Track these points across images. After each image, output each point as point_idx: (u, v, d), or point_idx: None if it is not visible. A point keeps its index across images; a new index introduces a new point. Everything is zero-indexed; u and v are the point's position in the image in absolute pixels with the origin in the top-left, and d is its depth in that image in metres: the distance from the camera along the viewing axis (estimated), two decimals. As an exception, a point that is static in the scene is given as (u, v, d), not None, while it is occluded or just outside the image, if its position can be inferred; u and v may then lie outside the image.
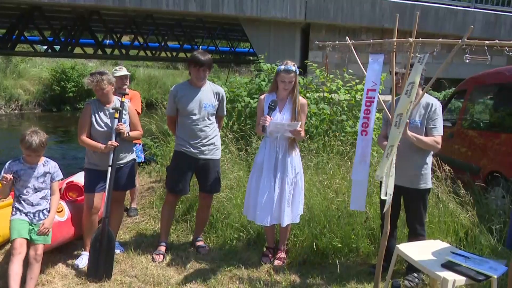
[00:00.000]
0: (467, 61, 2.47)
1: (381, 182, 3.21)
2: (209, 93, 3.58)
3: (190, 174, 3.64)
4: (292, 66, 3.29)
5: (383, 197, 2.69)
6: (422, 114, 3.12)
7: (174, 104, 3.54)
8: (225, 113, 3.83)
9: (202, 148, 3.54)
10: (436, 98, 8.99)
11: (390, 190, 2.68)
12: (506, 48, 2.38)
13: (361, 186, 3.04)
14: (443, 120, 6.31)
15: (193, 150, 3.52)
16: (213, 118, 3.60)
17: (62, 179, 3.19)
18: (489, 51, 2.44)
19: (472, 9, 8.60)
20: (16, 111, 18.95)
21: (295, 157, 3.42)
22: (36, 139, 2.85)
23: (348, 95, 6.06)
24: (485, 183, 4.65)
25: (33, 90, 19.93)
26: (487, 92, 5.61)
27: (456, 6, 8.56)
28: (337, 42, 3.18)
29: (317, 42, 3.45)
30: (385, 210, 2.80)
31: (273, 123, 3.24)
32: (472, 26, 2.56)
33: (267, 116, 3.24)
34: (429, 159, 3.23)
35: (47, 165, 3.03)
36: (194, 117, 3.49)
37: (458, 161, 5.32)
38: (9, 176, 2.82)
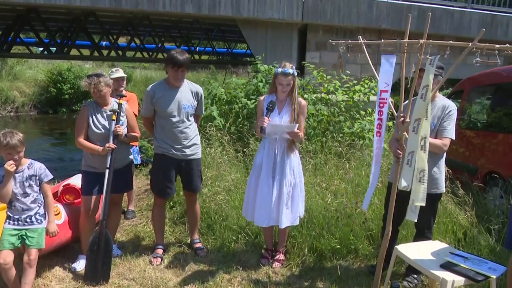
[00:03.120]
0: (477, 65, 2.46)
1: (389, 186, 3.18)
2: (188, 93, 3.49)
3: (174, 176, 3.57)
4: (290, 68, 3.25)
5: (417, 204, 2.61)
6: (438, 116, 3.07)
7: (151, 105, 3.42)
8: (203, 112, 3.72)
9: (185, 150, 3.48)
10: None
11: (424, 197, 2.62)
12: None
13: (373, 187, 3.02)
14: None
15: (176, 152, 3.46)
16: (192, 119, 3.53)
17: (53, 179, 3.09)
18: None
19: (469, 10, 8.63)
20: (11, 114, 18.86)
21: (294, 158, 3.40)
22: (12, 136, 2.75)
23: (346, 96, 6.07)
24: (483, 183, 4.65)
25: (29, 92, 19.84)
26: (484, 93, 5.63)
27: (453, 6, 8.58)
28: (350, 41, 3.16)
29: (330, 40, 3.42)
30: (407, 217, 2.75)
31: (270, 124, 3.22)
32: (484, 29, 2.54)
33: (265, 117, 3.23)
34: (442, 163, 3.16)
35: (32, 168, 2.91)
36: (174, 119, 3.40)
37: (456, 161, 5.32)
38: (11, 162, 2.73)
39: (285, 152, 3.35)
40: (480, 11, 8.61)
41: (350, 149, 4.91)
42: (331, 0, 8.00)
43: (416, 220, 2.71)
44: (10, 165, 2.76)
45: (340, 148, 4.92)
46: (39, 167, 2.95)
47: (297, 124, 3.25)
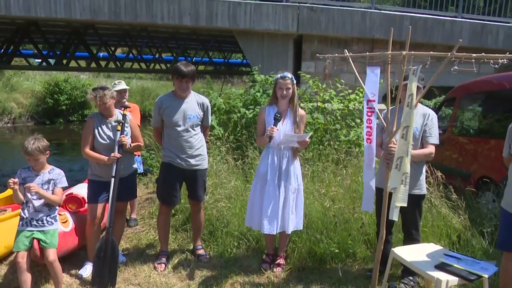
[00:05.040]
0: (455, 72, 2.62)
1: (377, 191, 3.33)
2: (194, 103, 3.63)
3: (180, 185, 3.70)
4: (289, 74, 3.43)
5: (398, 204, 2.76)
6: (420, 123, 3.25)
7: (159, 115, 3.60)
8: (210, 123, 3.88)
9: (189, 159, 3.59)
10: (427, 106, 9.16)
11: (405, 198, 2.76)
12: (491, 61, 2.53)
13: (370, 189, 3.16)
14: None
15: (180, 161, 3.58)
16: (198, 129, 3.66)
17: (66, 187, 3.26)
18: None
19: (459, 19, 8.85)
20: (8, 125, 18.91)
21: (297, 165, 3.55)
22: (33, 144, 2.98)
23: (341, 104, 6.22)
24: (476, 188, 4.79)
25: (26, 103, 19.92)
26: (475, 100, 5.80)
27: (444, 16, 8.80)
28: (336, 54, 3.32)
29: (318, 54, 3.58)
30: (389, 217, 2.87)
31: (286, 135, 3.36)
32: (461, 40, 2.70)
33: (274, 127, 3.36)
34: (423, 166, 3.35)
35: (52, 173, 3.13)
36: (179, 128, 3.54)
37: (449, 167, 5.47)
38: (15, 180, 2.92)
39: (290, 160, 3.48)
40: (471, 20, 8.83)
41: (346, 156, 5.03)
42: (325, 11, 8.19)
43: (396, 219, 2.85)
44: (9, 184, 2.92)
45: (337, 156, 5.05)
46: (58, 173, 3.16)
47: (310, 134, 3.41)
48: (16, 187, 2.92)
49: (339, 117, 6.08)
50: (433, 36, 8.52)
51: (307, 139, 3.40)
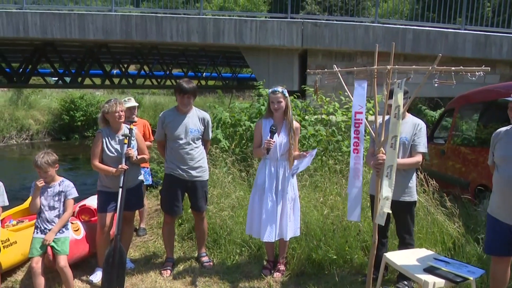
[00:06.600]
0: (436, 85, 2.80)
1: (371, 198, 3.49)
2: (195, 118, 3.87)
3: (182, 195, 3.92)
4: (280, 88, 3.62)
5: (386, 211, 2.91)
6: (410, 133, 3.41)
7: (162, 129, 3.85)
8: (210, 137, 4.10)
9: (190, 171, 3.82)
10: (432, 117, 9.13)
11: (389, 204, 2.92)
12: (469, 74, 2.70)
13: (356, 199, 3.31)
14: (437, 137, 6.59)
15: (182, 173, 3.81)
16: (199, 142, 3.89)
17: (77, 198, 3.51)
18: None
19: (462, 31, 8.97)
20: (27, 141, 19.53)
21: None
22: (42, 157, 3.27)
23: (345, 116, 6.39)
24: (474, 196, 4.88)
25: (43, 120, 20.58)
26: (473, 110, 5.91)
27: (447, 28, 8.94)
28: (326, 70, 3.54)
29: (308, 70, 3.79)
30: (376, 221, 3.03)
31: (311, 155, 3.58)
32: (440, 55, 2.88)
33: (271, 140, 3.56)
34: (414, 174, 3.50)
35: (62, 185, 3.40)
36: (181, 142, 3.78)
37: (449, 176, 5.57)
38: (42, 183, 3.23)
39: (286, 170, 3.67)
40: (474, 32, 8.94)
41: (347, 166, 5.18)
42: (329, 26, 8.43)
43: (383, 224, 2.99)
44: (39, 182, 3.25)
45: (338, 166, 5.21)
46: (67, 185, 3.42)
47: (316, 150, 3.63)
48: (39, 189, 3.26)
49: (343, 129, 6.24)
50: (436, 48, 8.65)
51: (314, 154, 3.60)
